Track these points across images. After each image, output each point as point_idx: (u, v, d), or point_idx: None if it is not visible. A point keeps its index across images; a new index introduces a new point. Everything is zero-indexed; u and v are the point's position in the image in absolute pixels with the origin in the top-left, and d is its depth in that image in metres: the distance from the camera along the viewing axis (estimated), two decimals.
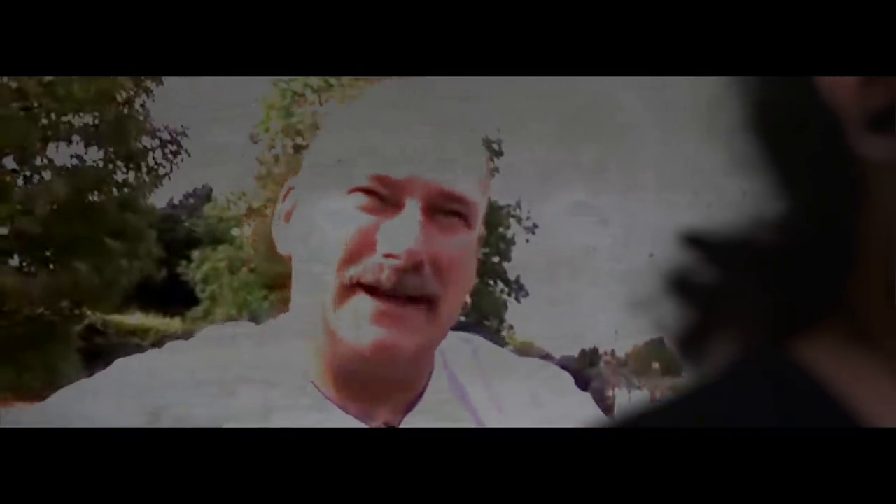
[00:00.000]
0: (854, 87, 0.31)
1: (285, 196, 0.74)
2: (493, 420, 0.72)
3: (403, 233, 0.63)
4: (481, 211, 0.70)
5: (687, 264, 0.35)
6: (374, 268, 0.64)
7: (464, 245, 0.67)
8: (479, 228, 0.71)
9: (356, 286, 0.64)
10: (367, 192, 0.65)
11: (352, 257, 0.64)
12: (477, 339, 0.81)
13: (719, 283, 0.35)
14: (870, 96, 0.31)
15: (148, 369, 0.68)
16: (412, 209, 0.64)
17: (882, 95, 0.30)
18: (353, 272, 0.64)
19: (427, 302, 0.65)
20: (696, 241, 0.35)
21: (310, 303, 0.67)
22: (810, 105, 0.32)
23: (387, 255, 0.63)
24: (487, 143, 20.23)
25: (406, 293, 0.64)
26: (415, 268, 0.63)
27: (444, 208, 0.66)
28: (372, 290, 0.64)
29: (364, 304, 0.64)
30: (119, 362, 0.69)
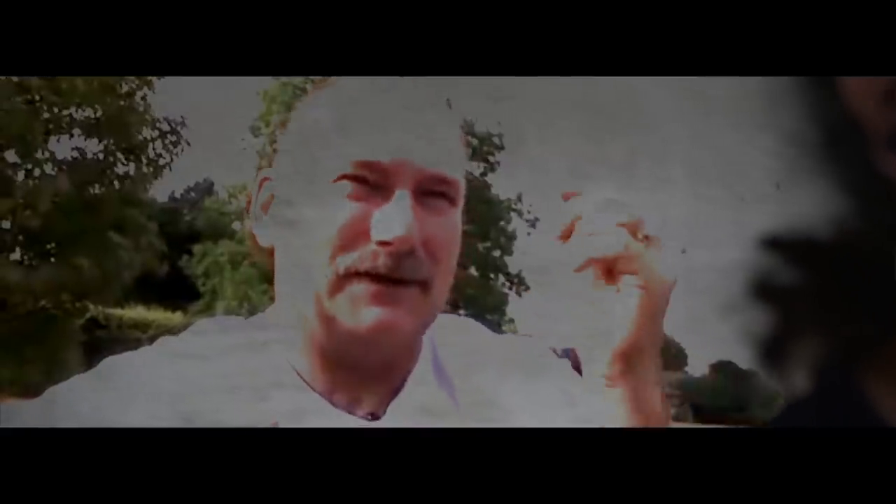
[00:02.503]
0: (877, 105, 0.31)
1: (260, 187, 0.74)
2: (473, 407, 0.72)
3: (396, 219, 0.63)
4: (463, 187, 0.70)
5: (767, 267, 0.35)
6: (369, 255, 0.64)
7: (452, 225, 0.68)
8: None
9: (352, 274, 0.64)
10: (354, 178, 0.65)
11: (345, 246, 0.64)
12: (468, 322, 0.81)
13: (798, 287, 0.35)
14: (891, 115, 0.30)
15: (138, 367, 0.68)
16: (403, 194, 0.64)
17: None
18: (348, 261, 0.64)
19: (420, 284, 0.66)
20: (775, 244, 0.35)
21: (298, 293, 0.68)
22: (849, 119, 0.32)
23: (381, 243, 0.64)
24: (487, 136, 20.24)
25: (401, 276, 0.65)
26: (409, 253, 0.64)
27: (431, 191, 0.66)
28: (368, 275, 0.64)
29: (361, 288, 0.64)
30: (108, 361, 0.69)
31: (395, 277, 0.64)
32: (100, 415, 0.64)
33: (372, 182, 0.65)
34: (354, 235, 0.64)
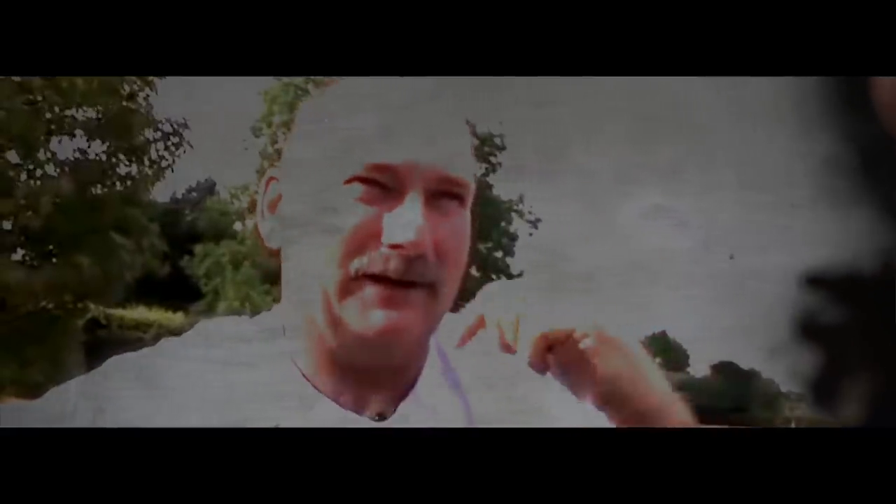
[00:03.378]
0: None
1: (266, 186, 0.73)
2: (484, 408, 0.72)
3: (408, 223, 0.63)
4: (473, 188, 0.70)
5: (812, 306, 0.34)
6: (379, 259, 0.64)
7: (461, 226, 0.68)
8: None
9: (362, 277, 0.64)
10: (365, 181, 0.64)
11: (356, 250, 0.64)
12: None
13: (845, 323, 0.34)
14: None
15: (141, 365, 0.69)
16: (414, 197, 0.64)
17: None
18: (358, 264, 0.64)
19: (429, 286, 0.66)
20: (818, 281, 0.34)
21: (305, 295, 0.67)
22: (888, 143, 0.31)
23: (392, 246, 0.64)
24: (489, 137, 20.23)
25: (410, 279, 0.64)
26: (420, 256, 0.64)
27: (443, 192, 0.66)
28: (378, 278, 0.64)
29: (371, 291, 0.64)
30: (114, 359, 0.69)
31: (404, 280, 0.64)
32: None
33: (383, 184, 0.65)
34: (365, 238, 0.64)
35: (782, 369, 0.36)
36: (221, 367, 0.69)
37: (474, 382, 0.75)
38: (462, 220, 0.68)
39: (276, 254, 0.71)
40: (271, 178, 0.73)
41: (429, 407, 0.70)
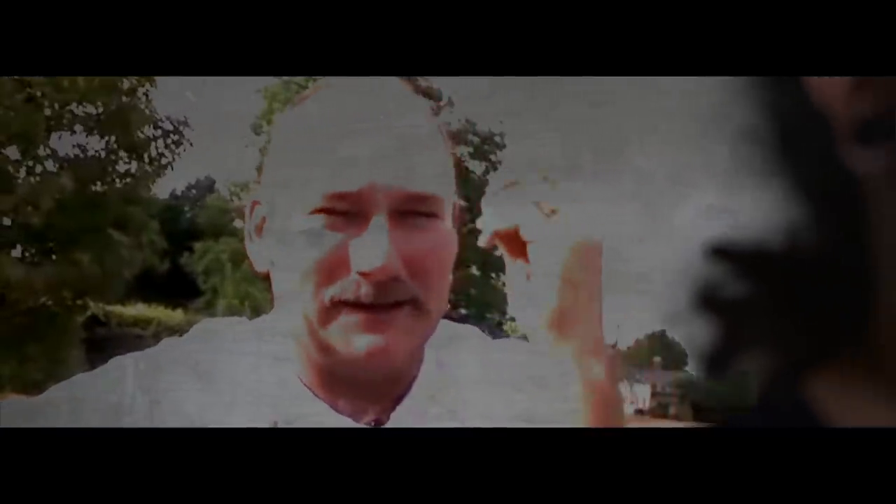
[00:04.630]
0: (843, 95, 0.30)
1: (251, 211, 0.73)
2: (479, 414, 0.72)
3: (373, 248, 0.62)
4: (449, 198, 0.69)
5: (715, 278, 0.34)
6: (352, 286, 0.63)
7: (438, 238, 0.67)
8: (455, 200, 0.71)
9: (338, 304, 0.64)
10: (327, 211, 0.64)
11: (327, 278, 0.64)
12: (469, 329, 0.81)
13: (747, 298, 0.33)
14: (858, 105, 0.29)
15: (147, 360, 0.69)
16: (378, 221, 0.63)
17: (870, 104, 0.29)
18: (332, 293, 0.64)
19: (411, 303, 0.65)
20: (723, 253, 0.34)
21: (293, 316, 0.67)
22: (810, 113, 0.31)
23: (361, 273, 0.63)
24: (488, 137, 20.23)
25: (388, 302, 0.64)
26: (392, 279, 0.63)
27: (409, 210, 0.65)
28: (354, 304, 0.64)
29: (351, 318, 0.64)
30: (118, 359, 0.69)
31: (380, 304, 0.64)
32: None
33: (346, 211, 0.64)
34: (334, 267, 0.63)
35: (680, 337, 0.36)
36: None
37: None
38: (437, 232, 0.67)
39: (266, 275, 0.71)
40: (255, 203, 0.73)
41: (422, 412, 0.70)
